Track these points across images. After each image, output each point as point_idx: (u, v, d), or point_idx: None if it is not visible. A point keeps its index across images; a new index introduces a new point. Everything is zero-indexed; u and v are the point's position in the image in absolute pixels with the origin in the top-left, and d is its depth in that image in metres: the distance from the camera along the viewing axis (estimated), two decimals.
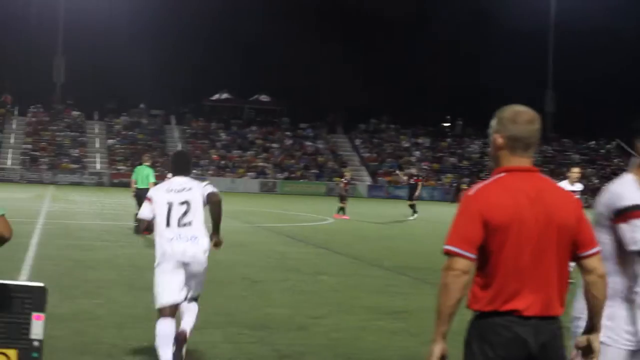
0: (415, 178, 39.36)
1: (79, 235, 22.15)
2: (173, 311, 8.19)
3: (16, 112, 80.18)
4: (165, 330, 8.07)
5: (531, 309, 4.10)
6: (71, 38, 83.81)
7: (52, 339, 8.98)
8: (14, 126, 77.86)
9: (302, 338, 9.85)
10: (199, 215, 8.36)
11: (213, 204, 8.43)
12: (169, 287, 8.21)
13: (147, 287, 12.98)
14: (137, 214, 23.03)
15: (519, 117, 4.29)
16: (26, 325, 4.89)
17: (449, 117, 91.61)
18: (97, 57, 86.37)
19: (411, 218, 37.06)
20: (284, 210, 41.31)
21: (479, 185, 4.23)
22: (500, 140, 4.27)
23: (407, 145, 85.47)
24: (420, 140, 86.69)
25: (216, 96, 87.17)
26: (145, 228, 8.78)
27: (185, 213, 8.30)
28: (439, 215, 44.33)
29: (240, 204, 44.96)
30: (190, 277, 8.31)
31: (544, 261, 4.13)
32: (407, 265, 18.57)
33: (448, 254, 4.18)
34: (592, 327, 4.33)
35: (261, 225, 29.42)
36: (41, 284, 4.36)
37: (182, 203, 8.31)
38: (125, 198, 33.02)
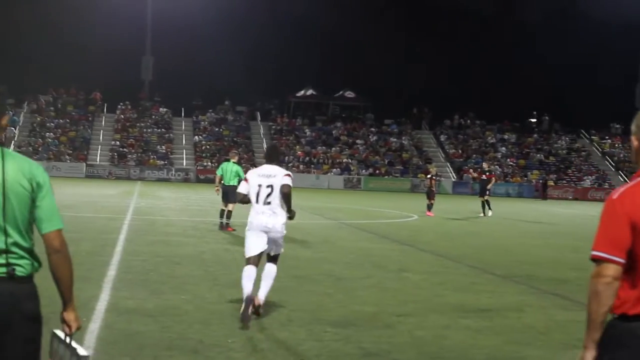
0: (487, 174, 38.78)
1: (166, 231, 22.41)
2: (255, 260, 10.66)
3: (105, 109, 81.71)
4: (248, 271, 10.52)
5: None
6: (159, 37, 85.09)
7: (139, 334, 9.13)
8: (102, 123, 79.30)
9: (387, 336, 9.79)
10: (278, 197, 10.75)
11: (283, 194, 10.77)
12: (254, 245, 10.73)
13: (233, 284, 13.12)
14: (222, 210, 23.36)
15: None
16: None
17: (535, 112, 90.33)
18: (183, 55, 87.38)
19: (481, 215, 36.46)
20: (369, 207, 41.25)
21: (622, 188, 4.12)
22: (636, 142, 4.19)
23: (492, 141, 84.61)
24: (506, 136, 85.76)
25: (301, 92, 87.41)
26: (241, 200, 11.11)
27: (269, 195, 10.74)
28: (525, 213, 43.84)
29: (324, 200, 45.06)
30: (270, 241, 10.77)
31: None
32: (493, 262, 18.36)
33: (597, 260, 4.03)
34: None
35: (345, 222, 29.41)
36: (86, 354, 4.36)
37: (268, 186, 10.75)
38: (211, 194, 33.29)
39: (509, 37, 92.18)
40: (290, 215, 10.94)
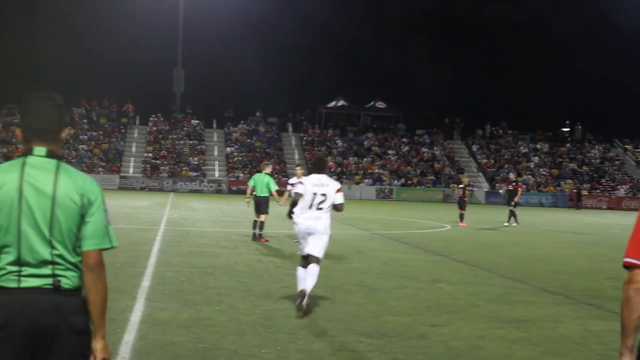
0: (514, 184, 38.60)
1: (199, 242, 22.46)
2: (306, 260, 12.19)
3: (137, 122, 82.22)
4: (300, 272, 12.16)
5: None
6: (190, 50, 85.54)
7: (173, 345, 9.14)
8: (135, 135, 79.77)
9: (421, 346, 9.73)
10: (328, 205, 12.27)
11: (335, 209, 12.42)
12: (302, 246, 12.31)
13: (266, 294, 13.12)
14: (255, 221, 23.40)
15: None
16: None
17: (568, 121, 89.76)
18: (214, 68, 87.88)
19: (506, 224, 36.23)
20: (401, 217, 41.15)
21: None
22: None
23: (525, 150, 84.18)
24: (538, 146, 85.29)
25: (332, 103, 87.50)
26: (294, 200, 12.65)
27: (321, 202, 12.22)
28: (558, 222, 43.53)
29: (357, 210, 44.99)
30: (313, 241, 12.15)
31: None
32: (527, 273, 18.22)
33: (628, 266, 4.02)
34: None
35: (378, 232, 29.35)
36: None
37: (322, 194, 12.25)
38: (243, 205, 33.36)
39: (542, 47, 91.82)
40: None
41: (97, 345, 4.32)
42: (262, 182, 23.71)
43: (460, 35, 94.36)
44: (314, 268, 12.10)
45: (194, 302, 12.19)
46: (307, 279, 11.97)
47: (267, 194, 23.54)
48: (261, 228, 23.53)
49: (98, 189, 4.38)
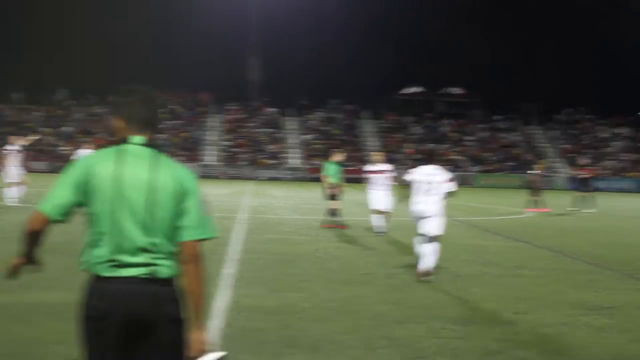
0: (587, 169, 38.08)
1: (279, 229, 22.60)
2: (420, 239, 13.92)
3: (215, 110, 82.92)
4: (417, 247, 14.15)
5: None
6: (265, 38, 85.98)
7: (259, 331, 9.24)
8: (213, 124, 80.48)
9: (508, 333, 9.67)
10: (438, 192, 13.81)
11: (449, 194, 14.12)
12: (419, 227, 13.92)
13: (347, 281, 13.16)
14: (330, 209, 23.50)
15: None
16: None
17: None
18: (290, 55, 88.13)
19: (584, 210, 35.67)
20: (481, 204, 40.85)
21: None
22: None
23: (605, 135, 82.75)
24: (619, 131, 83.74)
25: (408, 89, 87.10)
26: (404, 188, 14.23)
27: (431, 189, 13.76)
28: None
29: None
30: (427, 223, 13.75)
31: None
32: (611, 259, 17.97)
33: None
34: None
35: (458, 219, 29.15)
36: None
37: (431, 182, 13.78)
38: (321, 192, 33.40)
39: (621, 29, 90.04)
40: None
41: (195, 336, 4.33)
42: (334, 170, 23.94)
43: (537, 17, 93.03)
44: (433, 246, 13.72)
45: (278, 289, 12.28)
46: (428, 255, 13.57)
47: (337, 181, 23.70)
48: (337, 215, 23.63)
49: (195, 180, 4.40)
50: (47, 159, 65.24)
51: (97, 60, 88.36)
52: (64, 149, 70.61)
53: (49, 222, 4.31)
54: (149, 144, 4.38)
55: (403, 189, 14.31)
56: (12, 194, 27.09)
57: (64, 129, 77.13)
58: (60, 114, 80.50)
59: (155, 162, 4.32)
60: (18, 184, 27.46)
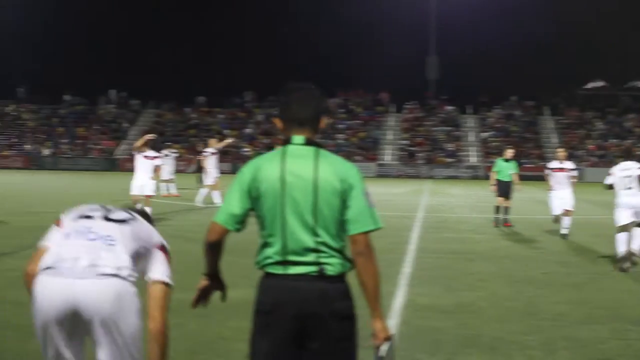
0: None
1: (457, 227, 22.41)
2: (624, 228, 14.55)
3: (393, 109, 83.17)
4: (620, 237, 14.60)
5: None
6: (443, 36, 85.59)
7: (436, 330, 9.16)
8: (391, 123, 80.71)
9: None
10: (637, 184, 14.57)
11: None
12: (622, 217, 14.57)
13: (528, 280, 12.88)
14: (497, 206, 23.23)
15: None
16: None
17: None
18: (468, 53, 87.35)
19: None
20: None
21: None
22: None
23: None
24: None
25: (590, 84, 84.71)
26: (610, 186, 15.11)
27: (630, 183, 14.55)
28: None
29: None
30: (635, 214, 14.44)
31: None
32: None
33: None
34: None
35: None
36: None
37: (627, 177, 14.63)
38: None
39: None
40: None
41: (377, 325, 4.36)
42: (506, 167, 23.74)
43: None
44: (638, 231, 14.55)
45: (455, 288, 12.17)
46: (636, 240, 14.45)
47: (509, 179, 23.43)
48: (507, 213, 23.37)
49: (358, 173, 4.42)
50: (230, 160, 67.03)
51: (277, 62, 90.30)
52: (246, 150, 72.52)
53: (226, 232, 4.48)
54: (309, 142, 4.41)
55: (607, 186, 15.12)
56: (217, 199, 27.75)
57: (246, 130, 79.13)
58: (242, 116, 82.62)
59: (316, 160, 4.34)
60: (213, 186, 28.28)
